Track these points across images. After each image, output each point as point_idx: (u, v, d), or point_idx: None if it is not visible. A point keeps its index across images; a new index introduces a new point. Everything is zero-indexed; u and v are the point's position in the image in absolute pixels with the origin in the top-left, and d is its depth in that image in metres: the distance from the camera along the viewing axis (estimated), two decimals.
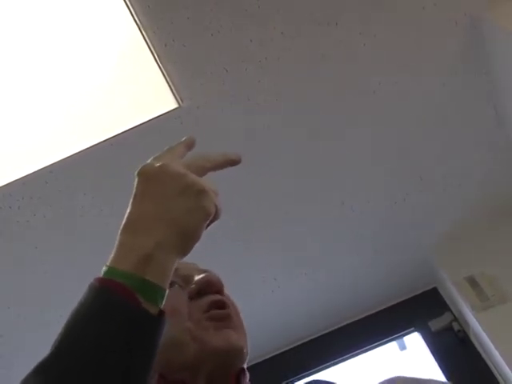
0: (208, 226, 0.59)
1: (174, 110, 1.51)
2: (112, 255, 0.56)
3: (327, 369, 2.08)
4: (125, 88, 1.46)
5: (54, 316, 1.86)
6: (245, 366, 0.77)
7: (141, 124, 1.52)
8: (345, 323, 2.15)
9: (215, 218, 0.59)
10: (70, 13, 1.32)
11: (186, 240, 0.55)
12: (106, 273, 0.53)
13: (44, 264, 1.71)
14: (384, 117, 1.69)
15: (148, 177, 0.60)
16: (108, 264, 0.55)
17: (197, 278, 0.77)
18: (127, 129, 1.52)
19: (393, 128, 1.73)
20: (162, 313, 0.52)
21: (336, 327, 2.15)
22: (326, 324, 2.14)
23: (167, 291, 0.53)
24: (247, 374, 0.76)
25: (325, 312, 2.11)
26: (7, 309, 1.76)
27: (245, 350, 0.73)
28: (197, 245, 0.60)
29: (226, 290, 0.81)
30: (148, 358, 0.50)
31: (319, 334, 2.16)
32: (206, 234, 0.61)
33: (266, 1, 1.39)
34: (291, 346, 2.15)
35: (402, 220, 1.94)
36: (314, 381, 0.83)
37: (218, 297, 0.75)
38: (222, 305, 0.74)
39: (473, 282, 1.88)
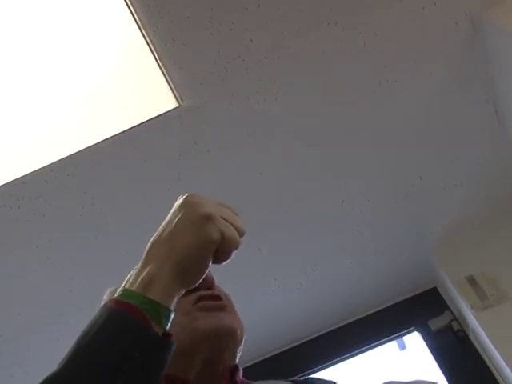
0: (221, 257, 0.58)
1: (173, 109, 1.51)
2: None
3: (327, 368, 2.08)
4: (124, 87, 1.46)
5: (55, 316, 1.86)
6: (237, 362, 0.75)
7: (141, 123, 1.52)
8: (344, 323, 2.15)
9: (226, 247, 0.58)
10: (70, 12, 1.32)
11: (185, 268, 0.55)
12: (118, 295, 0.55)
13: (44, 264, 1.71)
14: (384, 117, 1.69)
15: (178, 206, 0.61)
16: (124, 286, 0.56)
17: None
18: (127, 128, 1.52)
19: (393, 128, 1.73)
20: (168, 335, 0.53)
21: (336, 327, 2.15)
22: (326, 324, 2.14)
23: (172, 313, 0.54)
24: (240, 371, 0.75)
25: (324, 312, 2.11)
26: (7, 309, 1.76)
27: (238, 332, 0.72)
28: None
29: (219, 285, 0.80)
30: (155, 375, 0.51)
31: (319, 334, 2.16)
32: None
33: (266, 0, 1.39)
34: (291, 346, 2.15)
35: (401, 220, 1.94)
36: (309, 378, 0.82)
37: (209, 292, 0.74)
38: (213, 297, 0.74)
39: (472, 281, 1.88)
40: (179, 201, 0.61)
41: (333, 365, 2.08)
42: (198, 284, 0.69)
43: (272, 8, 1.41)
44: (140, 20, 1.35)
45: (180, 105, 1.51)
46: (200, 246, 0.55)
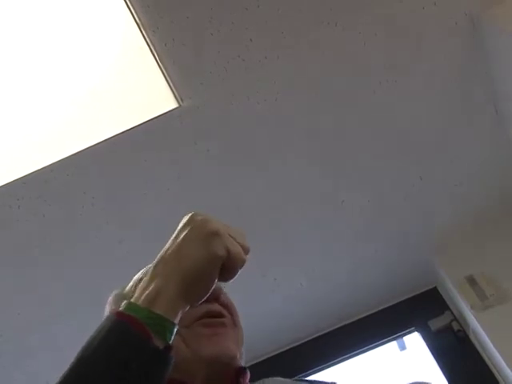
0: (227, 274, 0.58)
1: (173, 109, 1.51)
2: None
3: (327, 369, 2.08)
4: (125, 88, 1.46)
5: (55, 315, 1.86)
6: (243, 364, 0.76)
7: (141, 124, 1.52)
8: (344, 323, 2.15)
9: (232, 264, 0.58)
10: (69, 12, 1.32)
11: (190, 285, 0.56)
12: (124, 308, 0.55)
13: (44, 264, 1.71)
14: (384, 117, 1.69)
15: (185, 223, 0.60)
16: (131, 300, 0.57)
17: None
18: (127, 129, 1.52)
19: (393, 128, 1.73)
20: (168, 347, 0.54)
21: (336, 327, 2.15)
22: (326, 324, 2.14)
23: (176, 327, 0.55)
24: (247, 373, 0.76)
25: (324, 312, 2.11)
26: (7, 309, 1.76)
27: (237, 357, 0.73)
28: None
29: (226, 291, 0.81)
30: None
31: (319, 334, 2.16)
32: None
33: (266, 0, 1.39)
34: (291, 346, 2.15)
35: (401, 220, 1.94)
36: (313, 381, 0.83)
37: (214, 306, 0.75)
38: (217, 314, 0.75)
39: (472, 281, 1.88)
40: (186, 218, 0.61)
41: (333, 365, 2.08)
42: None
43: (272, 8, 1.41)
44: (140, 20, 1.35)
45: (180, 105, 1.51)
46: (206, 262, 0.56)
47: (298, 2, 1.42)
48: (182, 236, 0.58)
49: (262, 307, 1.99)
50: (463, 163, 1.85)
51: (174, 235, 0.59)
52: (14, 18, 1.30)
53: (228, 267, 0.58)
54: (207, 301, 0.73)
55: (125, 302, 0.56)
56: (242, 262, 0.59)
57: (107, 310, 0.84)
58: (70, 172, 1.56)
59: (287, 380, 0.81)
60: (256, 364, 2.03)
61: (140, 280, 0.80)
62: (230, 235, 0.58)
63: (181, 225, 0.60)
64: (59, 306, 1.80)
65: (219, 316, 0.75)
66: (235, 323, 0.78)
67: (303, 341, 2.15)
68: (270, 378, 0.81)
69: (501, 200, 1.98)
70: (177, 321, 0.55)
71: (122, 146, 1.55)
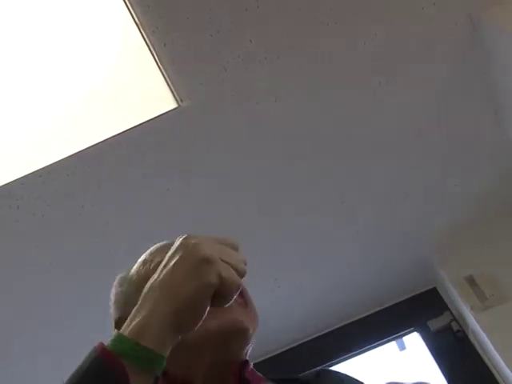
0: (221, 300, 0.55)
1: (173, 109, 1.51)
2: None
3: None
4: (124, 88, 1.46)
5: (54, 316, 1.86)
6: (246, 358, 0.74)
7: (140, 124, 1.52)
8: (344, 323, 2.15)
9: (226, 290, 0.54)
10: (69, 12, 1.32)
11: (179, 315, 0.53)
12: (111, 340, 0.53)
13: (44, 264, 1.71)
14: (384, 117, 1.69)
15: (176, 248, 0.57)
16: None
17: None
18: (127, 129, 1.51)
19: (393, 128, 1.73)
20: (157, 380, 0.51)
21: (335, 327, 2.15)
22: (326, 324, 2.14)
23: (165, 361, 0.52)
24: (249, 366, 0.74)
25: (324, 312, 2.11)
26: (7, 309, 1.76)
27: (250, 331, 0.70)
28: None
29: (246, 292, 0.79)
30: None
31: (318, 334, 2.16)
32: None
33: (265, 1, 1.39)
34: (290, 346, 2.15)
35: (401, 220, 1.94)
36: (322, 369, 0.81)
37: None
38: None
39: (472, 282, 1.88)
40: (177, 242, 0.58)
41: (333, 365, 2.08)
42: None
43: (272, 8, 1.41)
44: (139, 20, 1.35)
45: (180, 105, 1.50)
46: (197, 292, 0.53)
47: (298, 1, 1.42)
48: (171, 263, 0.55)
49: (262, 307, 1.98)
50: (463, 163, 1.85)
51: (164, 261, 0.56)
52: (13, 18, 1.30)
53: (222, 294, 0.54)
54: None
55: (114, 332, 0.53)
56: (237, 288, 0.55)
57: (113, 292, 0.81)
58: (70, 172, 1.56)
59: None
60: (256, 364, 2.03)
61: (144, 263, 0.78)
62: (223, 259, 0.54)
63: (172, 250, 0.57)
64: (59, 306, 1.80)
65: None
66: (246, 303, 0.75)
67: (303, 341, 2.15)
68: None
69: (501, 200, 1.98)
70: (166, 352, 0.52)
71: (121, 147, 1.54)
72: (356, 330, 2.12)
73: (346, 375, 0.81)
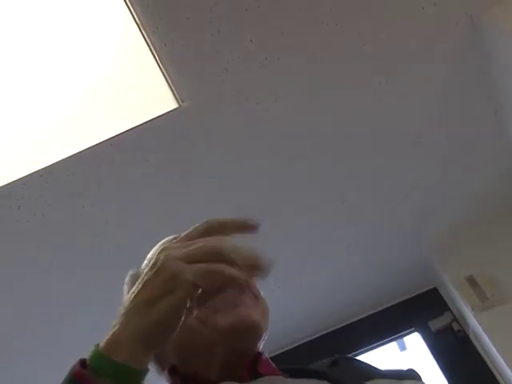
0: (211, 296, 0.54)
1: (173, 110, 1.51)
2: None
3: None
4: (124, 88, 1.46)
5: (54, 316, 1.86)
6: (260, 350, 0.74)
7: (141, 124, 1.52)
8: (344, 323, 2.15)
9: (209, 287, 0.52)
10: (69, 12, 1.32)
11: (151, 330, 0.52)
12: (89, 356, 0.53)
13: (44, 264, 1.71)
14: (384, 117, 1.69)
15: (151, 264, 0.56)
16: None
17: None
18: (127, 129, 1.52)
19: (393, 128, 1.73)
20: None
21: (336, 327, 2.15)
22: (326, 324, 2.14)
23: (146, 372, 0.52)
24: (263, 359, 0.73)
25: (324, 312, 2.11)
26: (7, 309, 1.76)
27: (261, 325, 0.71)
28: None
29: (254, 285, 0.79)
30: None
31: (319, 335, 2.16)
32: None
33: (265, 1, 1.39)
34: (290, 347, 2.15)
35: (402, 220, 1.94)
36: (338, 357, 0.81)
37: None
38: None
39: (473, 282, 1.88)
40: (149, 255, 0.58)
41: None
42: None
43: (272, 8, 1.41)
44: (140, 20, 1.35)
45: (180, 105, 1.51)
46: (166, 310, 0.52)
47: (298, 2, 1.42)
48: (144, 280, 0.54)
49: None
50: (463, 163, 1.85)
51: (141, 277, 0.56)
52: (13, 18, 1.30)
53: (208, 290, 0.53)
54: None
55: (93, 347, 0.53)
56: (219, 276, 0.52)
57: (125, 290, 0.82)
58: (70, 172, 1.56)
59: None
60: None
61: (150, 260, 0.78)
62: (193, 260, 0.52)
63: (147, 266, 0.56)
64: (59, 306, 1.80)
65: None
66: (256, 295, 0.76)
67: (303, 341, 2.15)
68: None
69: (501, 200, 1.98)
70: (142, 366, 0.52)
71: (121, 147, 1.54)
72: (356, 330, 2.12)
73: (366, 363, 0.81)
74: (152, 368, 0.76)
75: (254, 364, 0.72)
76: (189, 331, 0.67)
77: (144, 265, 0.81)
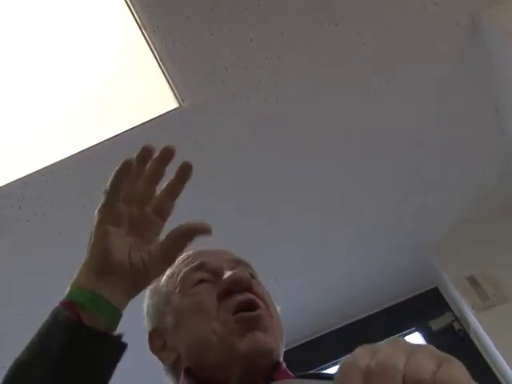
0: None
1: (174, 109, 1.51)
2: None
3: (327, 369, 2.08)
4: (125, 88, 1.46)
5: None
6: (280, 360, 0.75)
7: (141, 124, 1.52)
8: (345, 323, 2.15)
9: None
10: (70, 12, 1.32)
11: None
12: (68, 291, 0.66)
13: (44, 264, 1.71)
14: (384, 117, 1.69)
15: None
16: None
17: (225, 274, 0.76)
18: (127, 129, 1.52)
19: (393, 128, 1.73)
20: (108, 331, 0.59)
21: (336, 327, 2.15)
22: (326, 324, 2.14)
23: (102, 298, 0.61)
24: (282, 367, 0.75)
25: (325, 312, 2.11)
26: (8, 309, 1.76)
27: (274, 350, 0.73)
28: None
29: (259, 279, 0.82)
30: (90, 367, 0.57)
31: (319, 334, 2.16)
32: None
33: (266, 0, 1.40)
34: (291, 347, 2.15)
35: (402, 220, 1.94)
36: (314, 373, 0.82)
37: (246, 296, 0.75)
38: (250, 305, 0.74)
39: (473, 281, 1.88)
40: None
41: (333, 365, 2.08)
42: (236, 287, 0.74)
43: (272, 8, 1.41)
44: (140, 20, 1.35)
45: (180, 105, 1.51)
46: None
47: (298, 1, 1.42)
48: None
49: None
50: (463, 163, 1.85)
51: None
52: (13, 18, 1.31)
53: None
54: (238, 292, 0.73)
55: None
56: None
57: (145, 305, 0.85)
58: (71, 172, 1.57)
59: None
60: None
61: (171, 275, 0.84)
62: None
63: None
64: None
65: (253, 307, 0.74)
66: (271, 313, 0.77)
67: (303, 341, 2.15)
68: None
69: (501, 200, 1.98)
70: (106, 293, 0.61)
71: (122, 146, 1.55)
72: (357, 330, 2.11)
73: None
74: (165, 371, 0.79)
75: (271, 372, 0.73)
76: (206, 345, 0.71)
77: (164, 280, 0.83)
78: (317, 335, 2.15)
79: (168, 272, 0.83)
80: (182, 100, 1.50)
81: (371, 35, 1.51)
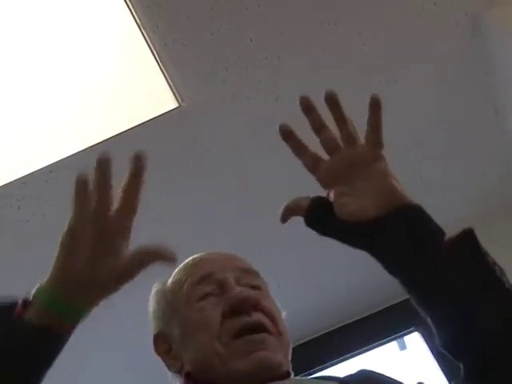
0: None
1: (174, 109, 1.51)
2: None
3: (327, 369, 2.08)
4: (124, 88, 1.46)
5: None
6: (288, 370, 0.76)
7: (141, 124, 1.52)
8: (345, 323, 2.15)
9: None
10: (70, 13, 1.32)
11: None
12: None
13: (44, 263, 1.71)
14: (384, 117, 1.69)
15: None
16: None
17: (232, 289, 0.75)
18: (127, 128, 1.52)
19: (393, 128, 1.72)
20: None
21: (336, 327, 2.15)
22: (326, 324, 2.14)
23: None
24: (288, 377, 0.75)
25: (325, 312, 2.11)
26: None
27: (282, 363, 0.73)
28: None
29: (267, 289, 0.83)
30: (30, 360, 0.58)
31: (319, 334, 2.16)
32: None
33: (266, 0, 1.39)
34: (291, 347, 2.15)
35: None
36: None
37: (253, 318, 0.74)
38: (256, 327, 0.73)
39: None
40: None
41: (333, 365, 2.08)
42: (242, 307, 0.73)
43: (272, 8, 1.41)
44: (140, 20, 1.35)
45: (180, 105, 1.51)
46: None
47: (298, 1, 1.42)
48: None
49: None
50: (463, 163, 1.85)
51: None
52: (13, 18, 1.30)
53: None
54: (245, 312, 0.73)
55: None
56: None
57: (150, 306, 0.85)
58: (70, 172, 1.56)
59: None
60: None
61: (178, 282, 0.84)
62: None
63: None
64: None
65: (259, 328, 0.73)
66: (280, 332, 0.76)
67: (303, 341, 2.15)
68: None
69: (501, 200, 1.97)
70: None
71: (122, 146, 1.54)
72: (356, 329, 2.11)
73: (391, 378, 0.82)
74: (170, 373, 0.79)
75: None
76: (208, 364, 0.71)
77: (170, 283, 0.84)
78: (316, 335, 2.15)
79: (174, 276, 0.83)
80: (182, 100, 1.50)
81: (371, 35, 1.51)
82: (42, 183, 1.56)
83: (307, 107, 0.69)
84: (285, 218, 0.71)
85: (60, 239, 0.65)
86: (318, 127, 0.70)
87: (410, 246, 0.62)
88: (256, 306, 0.75)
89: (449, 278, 0.57)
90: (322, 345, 2.12)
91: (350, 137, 0.68)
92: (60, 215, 1.84)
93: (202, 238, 1.70)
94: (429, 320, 0.60)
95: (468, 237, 0.59)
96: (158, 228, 1.67)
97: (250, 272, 0.83)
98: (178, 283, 0.82)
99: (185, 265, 0.84)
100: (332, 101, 0.67)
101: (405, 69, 1.60)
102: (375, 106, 0.68)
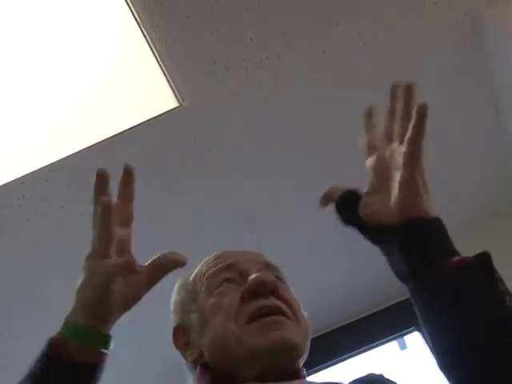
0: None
1: (174, 109, 1.51)
2: None
3: (327, 368, 2.08)
4: (125, 87, 1.46)
5: (54, 315, 1.86)
6: (298, 367, 0.74)
7: (141, 123, 1.52)
8: (345, 323, 2.15)
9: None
10: (70, 12, 1.32)
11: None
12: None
13: (44, 263, 1.71)
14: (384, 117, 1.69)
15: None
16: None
17: (252, 276, 0.76)
18: (127, 128, 1.52)
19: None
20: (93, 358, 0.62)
21: (336, 327, 2.15)
22: (326, 324, 2.14)
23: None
24: (300, 376, 0.73)
25: (325, 311, 2.11)
26: (8, 309, 1.76)
27: (300, 345, 0.71)
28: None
29: (287, 284, 0.83)
30: None
31: (319, 334, 2.16)
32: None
33: (266, 0, 1.39)
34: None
35: None
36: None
37: (270, 301, 0.74)
38: (273, 310, 0.73)
39: None
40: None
41: (333, 365, 2.08)
42: (261, 290, 0.73)
43: (272, 8, 1.41)
44: (140, 19, 1.35)
45: (180, 104, 1.51)
46: (81, 290, 0.70)
47: (298, 1, 1.42)
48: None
49: None
50: (463, 163, 1.85)
51: None
52: (13, 18, 1.30)
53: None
54: (263, 295, 0.73)
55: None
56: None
57: (172, 300, 0.86)
58: (70, 172, 1.56)
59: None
60: None
61: (199, 273, 0.85)
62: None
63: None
64: (59, 305, 1.80)
65: (276, 312, 0.73)
66: (298, 320, 0.76)
67: None
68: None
69: (500, 200, 1.98)
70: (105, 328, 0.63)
71: (122, 146, 1.55)
72: (356, 329, 2.11)
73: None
74: (187, 367, 0.79)
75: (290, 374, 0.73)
76: (224, 346, 0.71)
77: (192, 277, 0.84)
78: (316, 335, 2.15)
79: (196, 270, 0.84)
80: (182, 99, 1.50)
81: (371, 35, 1.51)
82: (42, 183, 1.56)
83: (396, 95, 0.72)
84: (323, 202, 0.74)
85: (84, 276, 0.69)
86: (392, 114, 0.73)
87: (413, 261, 0.64)
88: (274, 292, 0.75)
89: (455, 296, 0.60)
90: (322, 344, 2.12)
91: (404, 134, 0.68)
92: (60, 215, 1.85)
93: (202, 238, 1.70)
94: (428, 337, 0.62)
95: (485, 260, 0.61)
96: (157, 228, 1.67)
97: (272, 267, 0.85)
98: (199, 273, 0.82)
99: (206, 260, 0.85)
100: (410, 92, 0.69)
101: (405, 69, 1.60)
102: (421, 115, 0.66)
